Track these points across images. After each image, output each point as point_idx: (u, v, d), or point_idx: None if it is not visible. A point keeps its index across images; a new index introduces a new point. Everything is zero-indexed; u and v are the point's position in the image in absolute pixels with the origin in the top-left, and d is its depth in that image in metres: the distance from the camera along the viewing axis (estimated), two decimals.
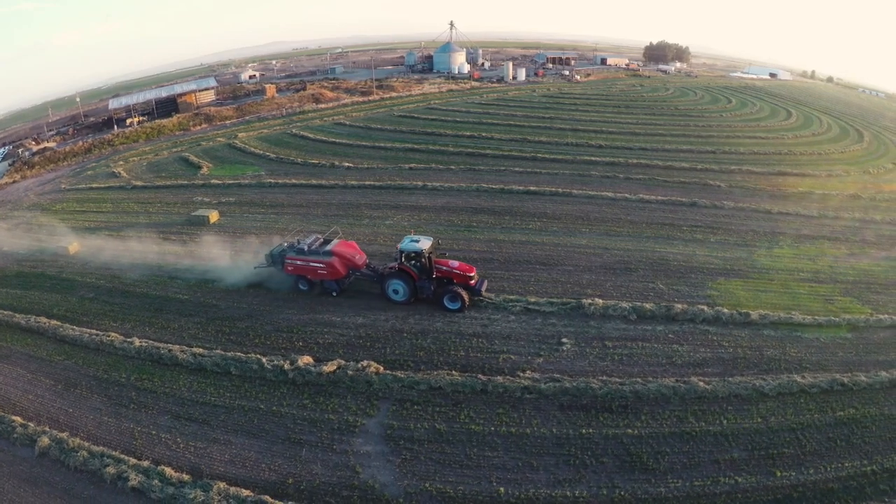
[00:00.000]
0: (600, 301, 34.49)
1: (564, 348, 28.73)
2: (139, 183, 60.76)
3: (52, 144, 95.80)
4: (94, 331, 29.76)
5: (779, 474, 22.95)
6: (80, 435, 22.50)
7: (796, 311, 34.35)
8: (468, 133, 78.24)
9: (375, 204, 50.53)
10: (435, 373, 25.84)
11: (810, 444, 24.46)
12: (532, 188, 55.49)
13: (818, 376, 28.56)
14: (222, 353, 27.18)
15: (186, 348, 27.68)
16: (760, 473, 22.99)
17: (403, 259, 32.15)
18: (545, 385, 25.31)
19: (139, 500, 19.03)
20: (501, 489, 20.19)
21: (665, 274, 38.77)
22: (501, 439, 22.52)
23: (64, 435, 22.23)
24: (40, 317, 32.02)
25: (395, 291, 32.58)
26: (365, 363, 26.09)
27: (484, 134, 78.01)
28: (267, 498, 18.94)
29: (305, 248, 33.60)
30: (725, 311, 33.55)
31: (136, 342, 28.30)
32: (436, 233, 43.92)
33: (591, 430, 23.59)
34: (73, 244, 41.99)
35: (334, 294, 33.75)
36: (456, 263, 33.81)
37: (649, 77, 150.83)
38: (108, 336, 28.99)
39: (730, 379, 27.90)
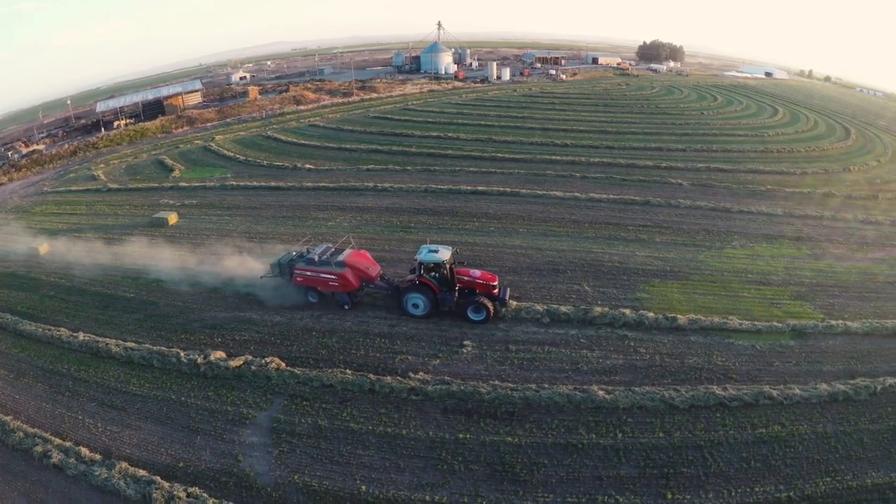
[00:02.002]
0: (514, 303, 32.62)
1: (464, 351, 28.38)
2: (114, 185, 62.21)
3: (41, 147, 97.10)
4: (47, 326, 31.96)
5: (669, 496, 20.72)
6: (21, 418, 24.93)
7: (734, 315, 31.87)
8: (435, 134, 77.79)
9: (324, 205, 51.72)
10: (329, 371, 26.59)
11: (717, 465, 21.96)
12: (480, 188, 54.43)
13: (743, 388, 26.00)
14: (150, 347, 29.23)
15: (121, 342, 29.78)
16: (648, 494, 20.82)
17: (423, 271, 30.80)
18: (432, 388, 25.24)
19: (58, 476, 21.56)
20: (363, 487, 20.70)
21: (595, 275, 36.51)
22: (376, 438, 22.91)
23: (8, 418, 24.78)
24: (5, 313, 34.23)
25: (415, 306, 31.17)
26: (269, 359, 27.36)
27: (450, 134, 77.42)
28: (158, 478, 20.87)
29: (316, 258, 32.60)
30: (650, 315, 31.19)
31: (80, 336, 30.43)
32: (372, 233, 44.03)
33: (468, 436, 23.07)
34: (44, 245, 44.03)
35: (346, 307, 32.45)
36: (478, 273, 32.19)
37: (637, 76, 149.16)
38: (59, 331, 31.18)
39: (636, 389, 25.60)
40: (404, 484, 20.90)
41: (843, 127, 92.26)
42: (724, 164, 63.89)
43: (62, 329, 31.48)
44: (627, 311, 31.77)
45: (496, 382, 25.83)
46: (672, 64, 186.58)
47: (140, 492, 20.33)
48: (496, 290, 31.90)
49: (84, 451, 22.32)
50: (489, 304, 31.37)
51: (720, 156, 67.72)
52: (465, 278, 31.98)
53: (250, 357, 27.65)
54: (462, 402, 24.73)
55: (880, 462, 22.39)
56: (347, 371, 26.52)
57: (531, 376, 26.57)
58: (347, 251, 33.46)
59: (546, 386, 26.09)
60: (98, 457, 22.17)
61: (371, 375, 26.03)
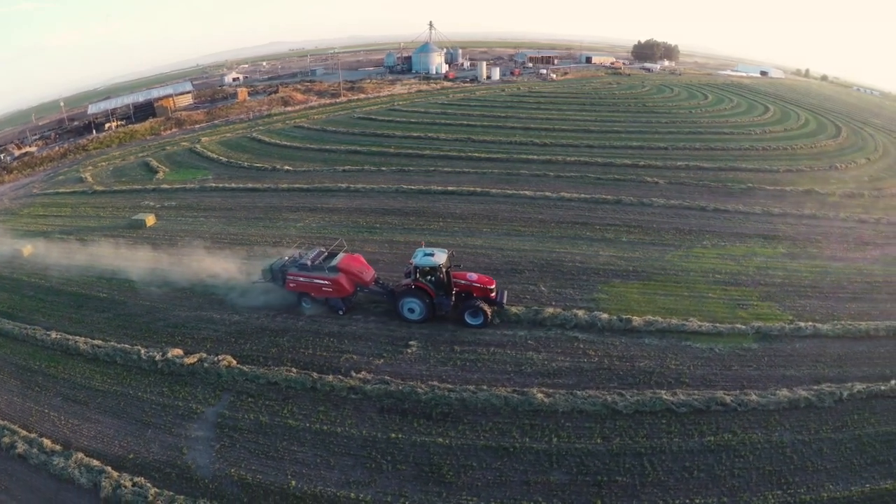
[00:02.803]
0: (513, 309, 32.11)
1: (409, 351, 28.57)
2: (99, 188, 63.25)
3: (33, 149, 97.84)
4: (24, 325, 33.22)
5: None
6: None
7: (695, 317, 30.73)
8: (416, 134, 77.59)
9: (295, 206, 51.83)
10: (276, 368, 27.45)
11: (656, 473, 20.87)
12: (451, 188, 54.10)
13: (694, 393, 24.88)
14: (114, 344, 30.37)
15: (90, 340, 30.97)
16: (577, 502, 20.06)
17: (419, 275, 30.36)
18: (370, 387, 25.69)
19: (22, 465, 23.00)
20: (293, 482, 21.34)
21: (554, 276, 35.50)
22: (311, 435, 23.56)
23: None
24: None
25: (411, 310, 30.82)
26: (221, 357, 28.30)
27: (431, 135, 77.25)
28: (109, 468, 22.18)
29: (309, 262, 32.25)
30: (604, 316, 30.18)
31: (53, 335, 31.63)
32: (338, 233, 43.80)
33: (400, 436, 23.33)
34: (28, 247, 45.19)
35: (340, 312, 32.08)
36: (475, 276, 31.50)
37: (629, 75, 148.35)
38: (34, 329, 32.41)
39: (579, 392, 24.67)
40: (332, 481, 21.35)
41: (834, 125, 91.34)
42: (705, 162, 62.91)
43: (37, 328, 32.68)
44: (580, 313, 30.88)
45: (434, 383, 25.75)
46: (666, 63, 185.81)
47: (92, 480, 21.56)
48: (494, 294, 31.28)
49: (46, 442, 23.71)
50: (487, 309, 30.72)
51: (702, 154, 66.75)
52: (462, 282, 31.38)
53: (204, 355, 28.56)
54: (399, 402, 24.94)
55: (839, 474, 21.28)
56: (293, 369, 27.13)
57: (472, 377, 26.31)
58: (341, 255, 33.12)
59: (485, 388, 25.53)
60: (58, 447, 23.46)
61: (314, 374, 26.55)
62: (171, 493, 20.77)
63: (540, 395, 24.28)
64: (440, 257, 31.22)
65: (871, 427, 23.79)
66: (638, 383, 25.62)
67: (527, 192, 51.20)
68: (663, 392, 24.78)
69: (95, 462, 22.57)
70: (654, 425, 23.29)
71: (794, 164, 64.57)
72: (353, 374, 26.52)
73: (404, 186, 55.00)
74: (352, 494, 20.75)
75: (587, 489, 20.44)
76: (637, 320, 29.73)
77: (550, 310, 30.87)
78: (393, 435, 23.25)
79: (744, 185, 55.17)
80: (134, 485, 21.18)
